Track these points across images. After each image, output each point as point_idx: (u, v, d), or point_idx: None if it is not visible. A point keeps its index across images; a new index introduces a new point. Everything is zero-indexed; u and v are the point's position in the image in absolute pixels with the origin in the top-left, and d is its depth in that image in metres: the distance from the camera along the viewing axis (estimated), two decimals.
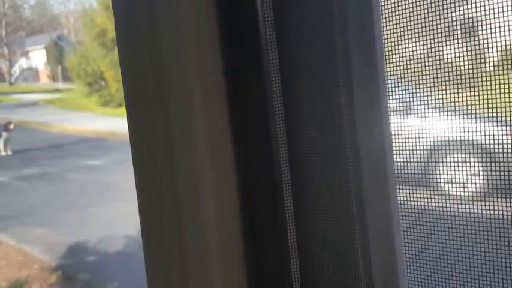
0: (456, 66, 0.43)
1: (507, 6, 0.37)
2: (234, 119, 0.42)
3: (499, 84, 0.40)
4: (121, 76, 0.44)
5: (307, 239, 0.44)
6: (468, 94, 0.44)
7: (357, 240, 0.43)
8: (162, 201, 0.43)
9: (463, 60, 0.44)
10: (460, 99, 0.44)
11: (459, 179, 0.44)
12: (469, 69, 0.43)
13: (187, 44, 0.40)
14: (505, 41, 0.38)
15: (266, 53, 0.42)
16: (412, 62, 0.43)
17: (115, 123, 13.79)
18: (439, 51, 0.43)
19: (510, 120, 0.40)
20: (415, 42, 0.42)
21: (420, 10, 0.41)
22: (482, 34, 0.42)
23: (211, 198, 0.42)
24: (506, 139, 0.41)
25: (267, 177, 0.44)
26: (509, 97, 0.39)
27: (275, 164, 0.43)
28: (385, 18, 0.42)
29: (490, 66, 0.42)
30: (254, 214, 0.43)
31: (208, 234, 0.42)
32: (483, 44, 0.43)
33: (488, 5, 0.38)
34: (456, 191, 0.45)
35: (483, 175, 0.44)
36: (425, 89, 0.45)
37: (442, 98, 0.44)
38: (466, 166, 0.44)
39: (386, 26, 0.42)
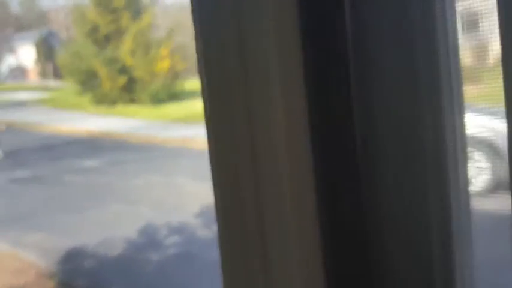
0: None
1: None
2: (315, 119, 0.42)
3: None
4: (200, 80, 0.44)
5: (386, 237, 0.45)
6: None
7: (434, 237, 0.44)
8: (243, 203, 0.43)
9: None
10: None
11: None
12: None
13: (270, 45, 0.41)
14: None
15: (351, 51, 0.43)
16: None
17: (109, 123, 13.76)
18: None
19: None
20: None
21: None
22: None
23: (291, 199, 0.43)
24: None
25: (348, 180, 0.44)
26: None
27: (356, 163, 0.44)
28: None
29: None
30: (334, 216, 0.44)
31: (289, 236, 0.43)
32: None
33: None
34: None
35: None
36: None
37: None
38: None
39: None
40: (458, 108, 0.44)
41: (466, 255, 0.45)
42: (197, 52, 0.46)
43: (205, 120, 0.46)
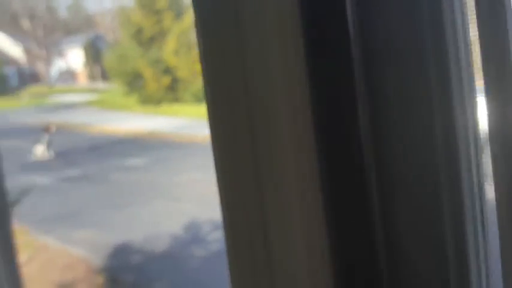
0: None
1: None
2: (319, 121, 0.42)
3: None
4: (203, 80, 0.44)
5: (396, 237, 0.43)
6: None
7: (447, 234, 0.42)
8: (246, 199, 0.43)
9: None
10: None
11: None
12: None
13: (272, 48, 0.41)
14: None
15: (354, 53, 0.42)
16: None
17: (153, 122, 14.02)
18: None
19: None
20: None
21: None
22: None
23: (296, 199, 0.42)
24: None
25: (353, 180, 0.43)
26: None
27: (363, 162, 0.43)
28: None
29: None
30: (340, 214, 0.43)
31: (293, 233, 0.42)
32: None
33: None
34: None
35: None
36: None
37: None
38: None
39: None
40: (470, 103, 0.42)
41: (481, 251, 0.43)
42: (201, 57, 0.46)
43: (208, 121, 0.46)
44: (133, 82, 18.06)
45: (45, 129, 11.08)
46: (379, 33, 0.41)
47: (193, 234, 5.76)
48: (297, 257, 0.43)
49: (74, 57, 24.45)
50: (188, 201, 6.83)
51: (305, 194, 0.42)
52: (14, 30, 24.50)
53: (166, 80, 17.38)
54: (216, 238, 5.58)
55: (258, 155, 0.43)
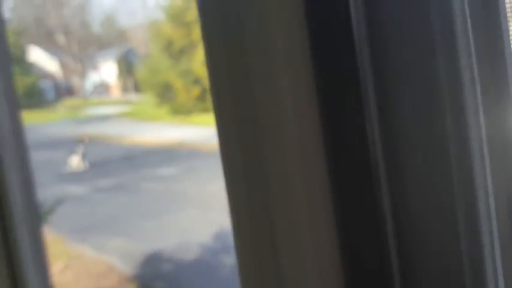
0: None
1: None
2: (325, 119, 0.42)
3: None
4: (209, 83, 0.45)
5: (407, 237, 0.43)
6: None
7: (461, 235, 0.41)
8: (253, 202, 0.43)
9: None
10: None
11: None
12: None
13: (275, 43, 0.41)
14: None
15: (359, 49, 0.42)
16: None
17: (184, 132, 14.13)
18: None
19: None
20: None
21: None
22: None
23: (303, 199, 0.42)
24: None
25: (362, 177, 0.43)
26: None
27: (371, 165, 0.43)
28: None
29: None
30: (350, 217, 0.43)
31: (300, 234, 0.42)
32: None
33: None
34: None
35: None
36: None
37: None
38: None
39: None
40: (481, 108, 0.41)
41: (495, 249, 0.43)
42: (206, 56, 0.46)
43: (215, 124, 0.46)
44: (164, 93, 18.27)
45: (80, 140, 11.29)
46: (387, 35, 0.41)
47: (223, 243, 5.77)
48: (306, 259, 0.43)
49: (108, 71, 24.89)
50: (218, 210, 6.85)
51: (314, 196, 0.42)
52: (50, 45, 25.12)
53: (196, 90, 17.52)
54: None
55: (265, 157, 0.43)
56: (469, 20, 0.40)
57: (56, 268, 5.25)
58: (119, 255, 5.67)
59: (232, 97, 0.44)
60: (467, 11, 0.40)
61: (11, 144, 0.91)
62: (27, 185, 0.94)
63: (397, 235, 0.43)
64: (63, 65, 25.05)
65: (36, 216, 0.94)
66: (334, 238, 0.43)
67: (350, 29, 0.42)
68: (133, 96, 23.23)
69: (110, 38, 26.90)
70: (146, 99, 20.21)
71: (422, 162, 0.42)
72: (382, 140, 0.42)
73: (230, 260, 5.37)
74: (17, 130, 0.94)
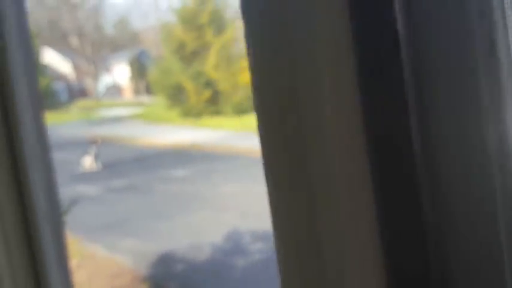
0: None
1: None
2: (368, 120, 0.41)
3: None
4: (252, 86, 0.45)
5: (448, 245, 0.42)
6: None
7: (501, 235, 0.41)
8: (295, 204, 0.43)
9: None
10: None
11: None
12: None
13: (320, 45, 0.41)
14: None
15: (404, 51, 0.41)
16: None
17: (196, 134, 14.16)
18: None
19: None
20: None
21: None
22: None
23: (347, 200, 0.42)
24: None
25: (406, 181, 0.43)
26: None
27: (414, 164, 0.42)
28: None
29: None
30: (392, 216, 0.43)
31: (344, 232, 0.42)
32: None
33: None
34: None
35: None
36: None
37: None
38: None
39: None
40: None
41: None
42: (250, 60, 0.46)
43: (257, 126, 0.46)
44: (176, 96, 18.32)
45: (93, 141, 11.34)
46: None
47: (234, 245, 5.77)
48: (349, 255, 0.43)
49: (120, 73, 25.02)
50: (229, 212, 6.85)
51: (356, 195, 0.42)
52: (64, 47, 25.31)
53: (207, 93, 17.56)
54: (257, 249, 5.57)
55: (308, 158, 0.43)
56: (508, 19, 0.40)
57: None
58: (132, 256, 5.68)
59: (278, 105, 0.44)
60: (507, 11, 0.39)
61: (35, 144, 0.92)
62: (50, 185, 0.94)
63: (439, 243, 0.43)
64: (77, 67, 25.22)
65: (59, 216, 0.95)
66: (376, 240, 0.42)
67: (395, 32, 0.42)
68: (145, 98, 23.31)
69: (122, 40, 27.04)
70: (158, 101, 20.27)
71: (461, 167, 0.41)
72: (423, 145, 0.42)
73: (241, 261, 5.37)
74: (40, 130, 0.95)
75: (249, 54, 0.46)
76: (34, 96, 0.90)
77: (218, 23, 18.23)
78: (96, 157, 11.02)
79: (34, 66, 0.95)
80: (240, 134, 13.31)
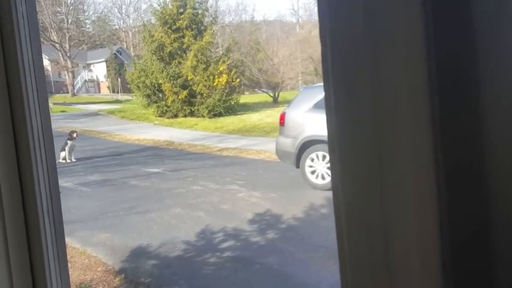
0: None
1: None
2: (439, 121, 0.40)
3: None
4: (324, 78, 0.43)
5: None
6: None
7: None
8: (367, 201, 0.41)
9: None
10: None
11: None
12: None
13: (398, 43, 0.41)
14: None
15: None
16: None
17: (171, 133, 14.05)
18: None
19: None
20: None
21: None
22: None
23: (415, 202, 0.40)
24: None
25: (471, 182, 0.41)
26: None
27: (482, 164, 0.41)
28: None
29: None
30: (455, 216, 0.41)
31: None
32: None
33: None
34: None
35: None
36: None
37: None
38: None
39: None
40: None
41: None
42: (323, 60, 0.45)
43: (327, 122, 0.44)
44: (153, 95, 18.14)
45: (68, 135, 11.13)
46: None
47: (206, 241, 5.73)
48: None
49: (98, 69, 24.64)
50: (202, 209, 6.81)
51: (423, 200, 0.41)
52: (42, 41, 24.77)
53: (183, 94, 17.44)
54: (227, 246, 5.54)
55: (381, 160, 0.42)
56: None
57: None
58: (105, 250, 5.58)
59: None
60: None
61: (40, 138, 0.88)
62: (53, 182, 0.90)
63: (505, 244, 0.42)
64: (54, 62, 24.72)
65: (59, 216, 0.91)
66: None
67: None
68: (121, 96, 23.02)
69: (101, 38, 26.62)
70: (134, 99, 20.05)
71: None
72: (493, 140, 0.41)
73: (213, 258, 5.34)
74: (46, 123, 0.91)
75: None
76: (42, 91, 0.86)
77: (197, 27, 18.16)
78: (71, 151, 10.82)
79: (42, 62, 0.92)
80: (213, 135, 13.27)
